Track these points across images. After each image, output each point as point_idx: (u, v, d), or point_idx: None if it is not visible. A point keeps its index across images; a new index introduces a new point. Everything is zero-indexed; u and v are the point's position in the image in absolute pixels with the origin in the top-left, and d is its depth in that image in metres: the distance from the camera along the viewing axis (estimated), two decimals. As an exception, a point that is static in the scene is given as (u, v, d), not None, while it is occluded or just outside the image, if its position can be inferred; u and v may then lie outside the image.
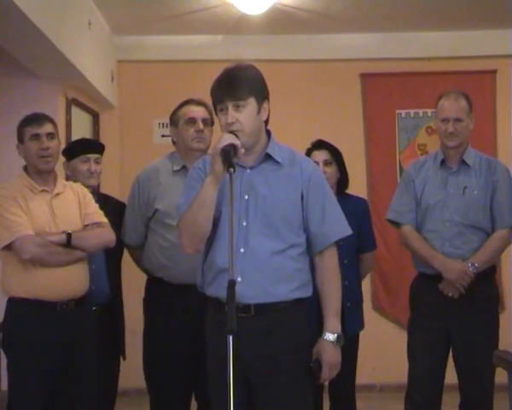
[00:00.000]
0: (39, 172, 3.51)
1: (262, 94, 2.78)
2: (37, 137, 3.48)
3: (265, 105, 2.79)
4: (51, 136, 3.52)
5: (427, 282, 3.87)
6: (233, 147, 2.61)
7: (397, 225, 4.04)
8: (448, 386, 3.93)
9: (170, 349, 3.64)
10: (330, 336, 2.81)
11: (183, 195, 2.84)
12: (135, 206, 3.81)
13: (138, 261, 3.94)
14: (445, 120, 3.85)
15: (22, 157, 3.55)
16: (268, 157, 2.81)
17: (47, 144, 3.48)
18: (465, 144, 3.92)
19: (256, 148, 2.80)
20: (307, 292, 2.82)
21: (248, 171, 2.77)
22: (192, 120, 3.73)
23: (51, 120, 3.59)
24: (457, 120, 3.83)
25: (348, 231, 2.93)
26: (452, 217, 3.81)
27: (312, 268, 2.89)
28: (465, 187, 3.84)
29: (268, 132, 2.87)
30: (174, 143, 3.86)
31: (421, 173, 3.96)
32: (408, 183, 3.99)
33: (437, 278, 3.80)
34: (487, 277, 3.85)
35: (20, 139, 3.53)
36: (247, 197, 2.74)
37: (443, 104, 3.88)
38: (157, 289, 3.76)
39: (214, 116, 3.03)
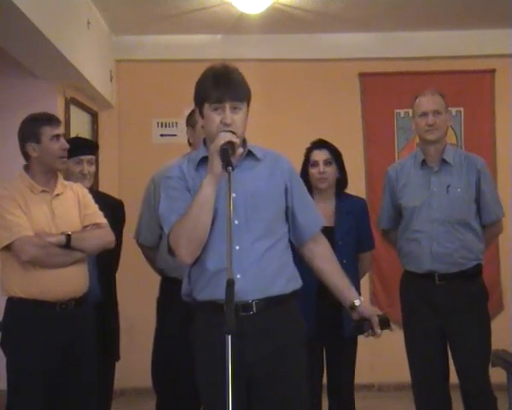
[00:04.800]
0: (49, 173, 3.50)
1: (250, 100, 2.81)
2: (57, 137, 3.48)
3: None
4: (64, 137, 3.56)
5: (414, 279, 3.91)
6: (231, 145, 2.60)
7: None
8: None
9: (183, 350, 3.57)
10: (361, 298, 2.92)
11: (165, 206, 2.79)
12: (150, 206, 3.80)
13: (153, 262, 3.93)
14: (424, 114, 3.87)
15: (33, 155, 3.48)
16: (247, 155, 2.82)
17: (66, 145, 3.50)
18: (444, 142, 3.96)
19: None
20: (298, 283, 2.85)
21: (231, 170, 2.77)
22: None
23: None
24: (436, 112, 3.87)
25: (323, 221, 3.03)
26: (438, 216, 3.85)
27: (300, 260, 2.92)
28: (448, 185, 3.87)
29: None
30: (190, 144, 3.85)
31: (402, 176, 4.00)
32: (388, 188, 4.07)
33: (424, 276, 3.85)
34: (474, 275, 3.89)
35: (36, 138, 3.47)
36: (234, 195, 2.72)
37: (420, 100, 3.93)
38: (172, 289, 3.73)
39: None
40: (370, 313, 2.87)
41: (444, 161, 3.90)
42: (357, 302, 2.88)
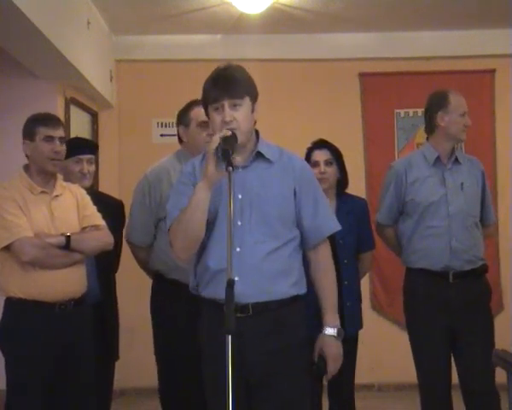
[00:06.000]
0: (42, 173, 3.49)
1: (255, 94, 2.81)
2: (50, 139, 3.47)
3: (256, 106, 2.82)
4: (62, 140, 3.53)
5: (424, 277, 3.89)
6: (230, 145, 2.60)
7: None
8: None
9: (189, 350, 3.35)
10: (331, 331, 2.84)
11: (172, 200, 2.82)
12: (145, 206, 3.76)
13: (144, 262, 3.89)
14: (464, 115, 3.97)
15: (27, 154, 3.50)
16: (258, 156, 2.82)
17: (59, 148, 3.48)
18: None
19: (247, 147, 2.80)
20: (302, 289, 2.83)
21: (240, 170, 2.76)
22: (205, 124, 3.63)
23: (63, 124, 3.60)
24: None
25: (338, 226, 2.95)
26: (456, 212, 3.86)
27: (305, 263, 2.90)
28: (462, 183, 3.91)
29: (256, 132, 2.88)
30: (181, 141, 3.83)
31: (411, 172, 3.98)
32: (394, 183, 4.02)
33: (437, 273, 3.84)
34: (481, 274, 3.94)
35: (31, 137, 3.48)
36: (240, 197, 2.74)
37: (458, 99, 3.98)
38: (169, 291, 3.69)
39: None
40: (317, 350, 2.84)
41: (456, 160, 3.95)
42: (325, 331, 2.84)
